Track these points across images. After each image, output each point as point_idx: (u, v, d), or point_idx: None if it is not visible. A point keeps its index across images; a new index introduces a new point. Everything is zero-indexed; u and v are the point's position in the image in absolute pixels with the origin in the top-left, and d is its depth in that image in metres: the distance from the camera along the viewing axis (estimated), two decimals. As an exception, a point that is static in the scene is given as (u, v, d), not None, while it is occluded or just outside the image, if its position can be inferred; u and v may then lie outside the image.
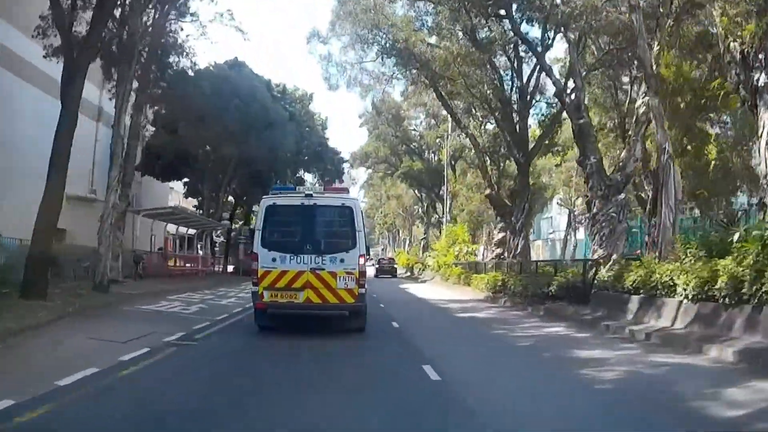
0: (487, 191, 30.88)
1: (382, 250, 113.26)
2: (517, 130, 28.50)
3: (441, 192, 50.67)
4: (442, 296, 24.70)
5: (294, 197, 10.82)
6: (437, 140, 51.42)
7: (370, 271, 47.15)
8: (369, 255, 14.67)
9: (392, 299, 22.01)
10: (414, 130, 54.34)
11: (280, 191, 11.31)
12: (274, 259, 10.02)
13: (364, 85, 33.85)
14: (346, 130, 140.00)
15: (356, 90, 34.70)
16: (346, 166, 54.60)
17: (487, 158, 32.63)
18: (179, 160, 35.76)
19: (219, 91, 34.95)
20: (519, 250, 28.26)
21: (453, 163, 48.55)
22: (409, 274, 52.60)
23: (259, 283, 10.03)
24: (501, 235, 36.00)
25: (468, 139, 39.08)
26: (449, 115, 33.05)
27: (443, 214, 51.53)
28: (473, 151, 40.95)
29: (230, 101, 34.60)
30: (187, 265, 34.52)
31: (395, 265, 52.04)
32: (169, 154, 34.96)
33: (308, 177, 53.04)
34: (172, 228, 35.33)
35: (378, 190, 76.14)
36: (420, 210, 62.16)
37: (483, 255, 44.82)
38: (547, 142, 30.11)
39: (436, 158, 53.31)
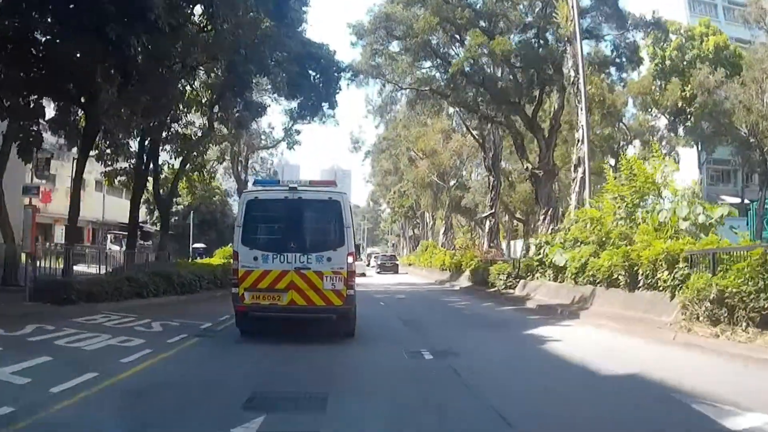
0: None
1: (392, 245, 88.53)
2: None
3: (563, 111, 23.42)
4: None
5: (277, 191, 9.90)
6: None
7: (372, 271, 46.20)
8: (359, 254, 11.98)
9: None
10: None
11: (263, 185, 11.23)
12: (255, 258, 9.33)
13: None
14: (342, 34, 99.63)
15: None
16: (344, 82, 28.40)
17: None
18: None
19: None
20: None
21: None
22: (471, 283, 25.64)
23: (239, 284, 9.29)
24: None
25: None
26: None
27: (546, 152, 24.44)
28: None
29: None
30: None
31: (396, 262, 50.28)
32: None
33: (277, 111, 26.64)
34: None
35: (396, 148, 49.22)
36: (485, 162, 34.24)
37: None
38: None
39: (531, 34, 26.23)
